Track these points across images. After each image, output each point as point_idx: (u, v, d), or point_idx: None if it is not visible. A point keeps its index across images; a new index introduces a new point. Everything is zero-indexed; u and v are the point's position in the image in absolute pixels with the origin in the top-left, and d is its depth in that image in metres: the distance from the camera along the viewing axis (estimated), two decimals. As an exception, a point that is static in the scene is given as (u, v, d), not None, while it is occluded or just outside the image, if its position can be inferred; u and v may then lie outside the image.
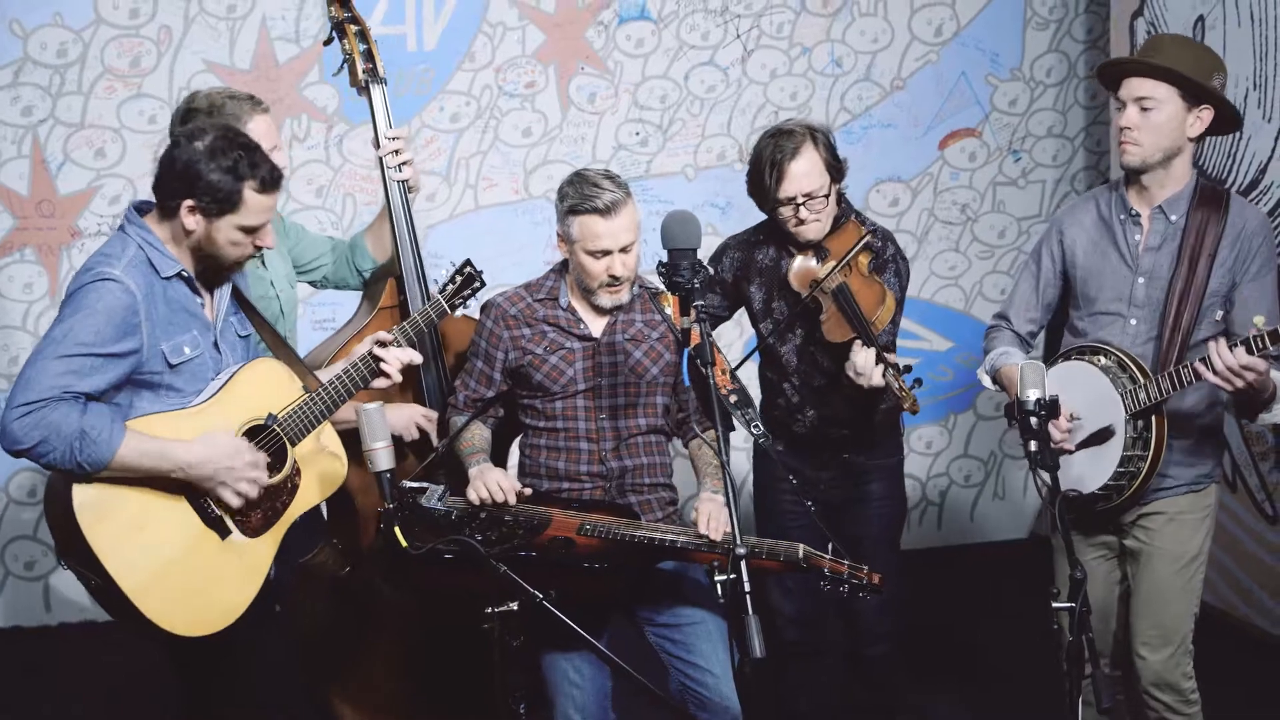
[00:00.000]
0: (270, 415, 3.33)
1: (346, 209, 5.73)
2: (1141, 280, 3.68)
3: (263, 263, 3.89)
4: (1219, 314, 3.64)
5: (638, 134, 6.05)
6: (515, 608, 3.28)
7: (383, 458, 3.24)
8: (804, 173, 3.82)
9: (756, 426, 3.66)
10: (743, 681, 3.10)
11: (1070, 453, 3.64)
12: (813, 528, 3.77)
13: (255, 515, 3.31)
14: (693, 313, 3.14)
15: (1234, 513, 5.07)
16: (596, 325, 3.74)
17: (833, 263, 3.84)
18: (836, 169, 3.89)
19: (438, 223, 5.88)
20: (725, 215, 5.93)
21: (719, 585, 3.04)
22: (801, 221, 3.85)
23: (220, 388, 3.29)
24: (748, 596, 2.90)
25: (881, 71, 6.22)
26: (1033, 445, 3.19)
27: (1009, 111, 6.39)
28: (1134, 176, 3.69)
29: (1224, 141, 5.16)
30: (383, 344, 3.57)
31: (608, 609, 3.70)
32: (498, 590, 3.27)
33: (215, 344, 3.33)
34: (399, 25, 5.74)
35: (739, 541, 2.95)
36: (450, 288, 3.80)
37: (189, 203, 3.20)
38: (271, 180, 3.26)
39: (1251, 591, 5.25)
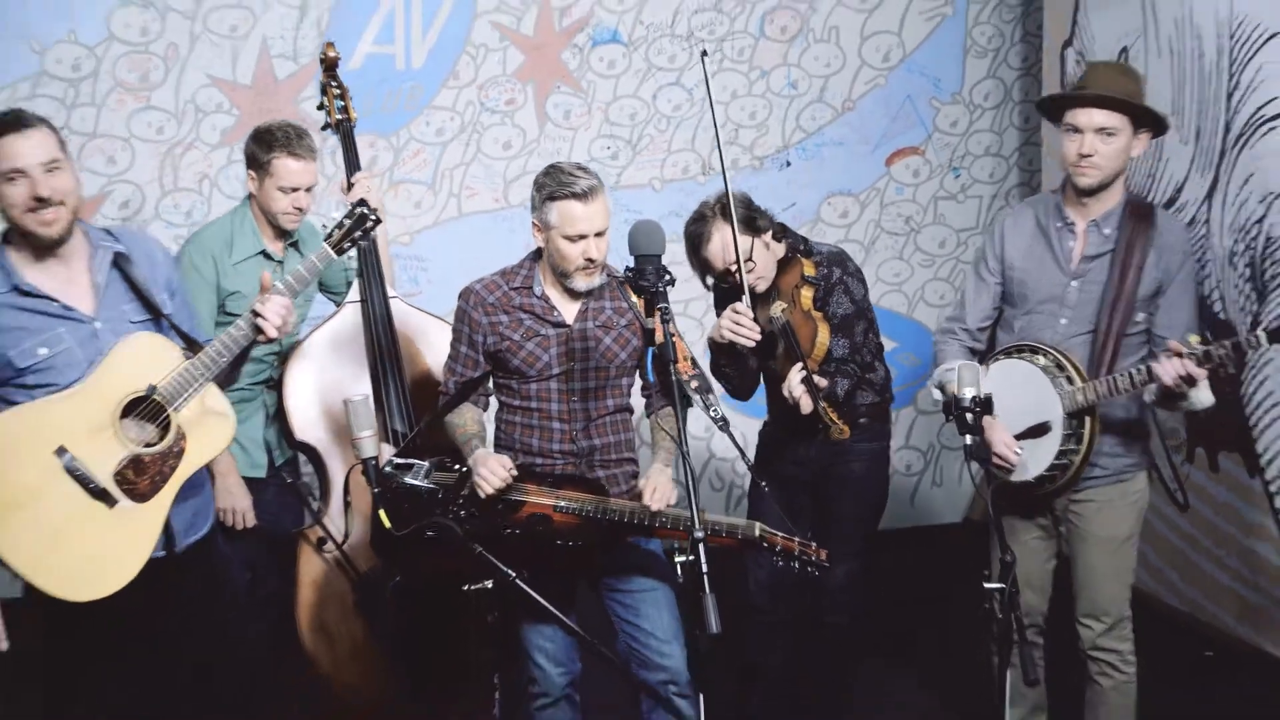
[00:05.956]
0: (150, 386, 3.19)
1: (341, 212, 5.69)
2: (1074, 284, 3.72)
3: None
4: (1140, 316, 3.69)
5: (609, 148, 6.06)
6: (490, 585, 3.29)
7: (368, 445, 3.22)
8: (722, 248, 3.92)
9: (715, 410, 3.54)
10: (698, 656, 3.12)
11: (1009, 471, 3.72)
12: (786, 504, 3.84)
13: (143, 481, 3.18)
14: (657, 314, 3.12)
15: (1149, 501, 5.13)
16: (569, 312, 3.70)
17: (779, 303, 3.92)
18: (755, 226, 3.94)
19: (423, 228, 5.87)
20: (689, 225, 5.95)
21: (678, 565, 3.07)
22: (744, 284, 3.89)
23: (95, 368, 3.19)
24: (705, 576, 2.87)
25: (834, 94, 6.27)
26: (968, 439, 3.22)
27: (950, 132, 6.45)
28: (1080, 194, 3.71)
29: (1145, 163, 5.19)
30: (264, 296, 3.32)
31: (577, 580, 3.74)
32: (476, 569, 3.27)
33: (96, 334, 3.23)
34: (389, 45, 5.73)
35: (697, 525, 2.95)
36: (337, 232, 3.47)
37: None
38: (11, 123, 3.13)
39: (1162, 571, 5.32)
